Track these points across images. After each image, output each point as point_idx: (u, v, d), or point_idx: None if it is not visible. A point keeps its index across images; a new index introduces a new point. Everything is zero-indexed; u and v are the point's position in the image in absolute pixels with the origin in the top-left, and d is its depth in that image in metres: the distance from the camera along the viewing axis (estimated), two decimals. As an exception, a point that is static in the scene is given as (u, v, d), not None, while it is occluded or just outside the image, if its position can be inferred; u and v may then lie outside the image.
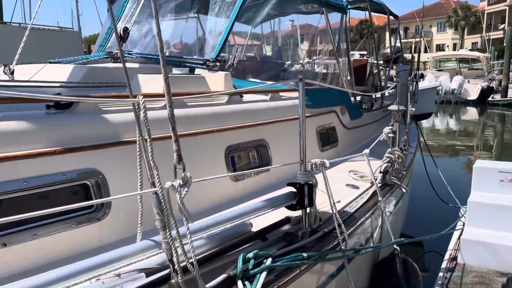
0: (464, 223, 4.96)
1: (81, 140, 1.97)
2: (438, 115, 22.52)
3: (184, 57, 3.71)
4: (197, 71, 3.48)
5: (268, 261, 1.80)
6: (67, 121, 1.98)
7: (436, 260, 4.73)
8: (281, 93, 3.69)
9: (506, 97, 25.87)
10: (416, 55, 8.93)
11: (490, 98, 25.82)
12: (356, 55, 13.70)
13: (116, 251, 1.37)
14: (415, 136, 5.68)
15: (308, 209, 2.25)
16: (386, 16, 6.98)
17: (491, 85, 27.76)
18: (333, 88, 4.62)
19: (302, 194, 2.20)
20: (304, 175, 2.21)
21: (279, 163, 3.14)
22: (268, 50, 7.74)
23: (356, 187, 3.36)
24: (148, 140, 1.39)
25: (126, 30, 3.96)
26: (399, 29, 7.09)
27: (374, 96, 7.01)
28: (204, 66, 3.48)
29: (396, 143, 3.79)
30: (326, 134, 4.16)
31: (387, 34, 7.19)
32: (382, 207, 3.14)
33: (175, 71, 3.42)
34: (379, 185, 3.35)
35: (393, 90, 5.16)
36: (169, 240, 1.36)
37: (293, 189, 2.24)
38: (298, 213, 2.28)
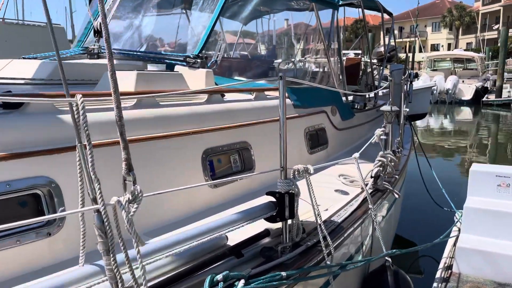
0: (459, 229, 4.78)
1: (31, 144, 1.74)
2: (433, 115, 22.40)
3: (163, 53, 3.48)
4: (177, 68, 3.25)
5: (240, 284, 1.58)
6: (15, 122, 1.75)
7: (430, 267, 4.54)
8: (267, 92, 3.47)
9: (501, 97, 25.83)
10: (410, 54, 8.74)
11: (484, 98, 25.76)
12: (350, 54, 13.53)
13: (49, 279, 1.14)
14: (409, 137, 5.48)
15: (289, 221, 2.03)
16: (380, 14, 6.79)
17: (485, 85, 27.71)
18: (323, 88, 4.41)
19: (283, 205, 1.97)
20: (284, 184, 1.99)
21: (263, 167, 2.93)
22: (262, 49, 7.53)
23: (346, 193, 3.15)
24: (88, 147, 1.17)
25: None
26: (393, 27, 6.89)
27: (367, 96, 6.82)
28: (184, 63, 3.26)
29: (388, 146, 3.59)
30: (315, 135, 3.94)
31: (381, 33, 6.97)
32: (373, 215, 2.93)
33: (150, 67, 3.18)
34: (370, 191, 3.14)
35: (387, 90, 4.97)
36: (114, 267, 1.14)
37: (273, 199, 2.02)
38: (279, 225, 2.06)
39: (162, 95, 2.29)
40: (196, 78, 3.08)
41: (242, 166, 2.89)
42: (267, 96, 3.38)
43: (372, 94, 6.11)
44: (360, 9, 6.23)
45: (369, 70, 7.07)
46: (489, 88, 27.89)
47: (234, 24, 7.92)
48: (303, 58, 4.80)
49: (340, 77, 4.58)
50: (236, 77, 4.04)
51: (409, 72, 5.55)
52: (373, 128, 6.05)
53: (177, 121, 2.42)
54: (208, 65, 3.44)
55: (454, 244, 4.49)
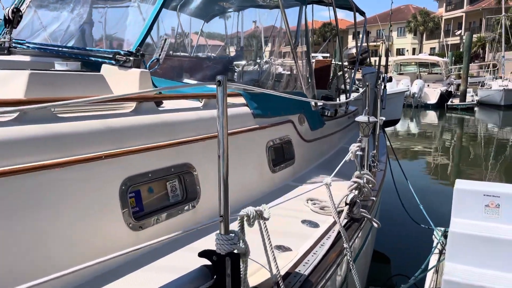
0: (440, 252, 4.31)
1: None
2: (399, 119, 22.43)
3: (87, 48, 2.77)
4: (104, 68, 2.56)
5: None
6: None
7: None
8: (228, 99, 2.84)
9: (465, 101, 26.32)
10: (383, 57, 8.33)
11: (449, 102, 26.16)
12: (318, 56, 13.09)
13: None
14: (384, 148, 4.97)
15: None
16: (352, 16, 6.31)
17: (449, 89, 28.18)
18: (291, 93, 3.81)
19: (222, 271, 1.34)
20: (225, 241, 1.35)
21: (211, 196, 2.28)
22: (226, 50, 6.88)
23: (316, 225, 2.55)
24: None
25: (17, 12, 2.97)
26: (365, 27, 6.41)
27: (339, 101, 6.29)
28: (113, 61, 2.57)
29: (365, 163, 3.03)
30: (280, 150, 3.34)
31: (350, 37, 6.45)
32: (349, 256, 2.34)
33: (58, 66, 2.48)
34: (344, 221, 2.56)
35: (361, 95, 4.44)
36: None
37: (208, 262, 1.38)
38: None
39: (58, 104, 1.59)
40: (127, 81, 2.40)
41: (184, 195, 2.23)
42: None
43: (347, 99, 5.58)
44: (331, 9, 5.72)
45: (340, 73, 6.56)
46: (453, 92, 28.39)
47: (198, 22, 7.28)
48: (268, 59, 4.16)
49: (309, 80, 4.00)
50: (186, 80, 3.38)
51: (383, 75, 5.05)
52: (344, 138, 5.54)
53: (83, 140, 1.74)
54: (147, 65, 2.76)
55: (436, 271, 4.01)
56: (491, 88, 26.78)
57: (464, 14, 48.53)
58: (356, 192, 2.80)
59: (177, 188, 2.19)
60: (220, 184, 1.37)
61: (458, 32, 47.62)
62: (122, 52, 2.54)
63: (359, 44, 6.18)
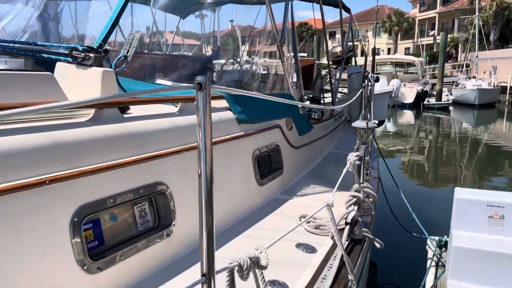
0: (436, 264, 4.04)
1: None
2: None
3: (39, 43, 2.33)
4: (58, 66, 2.13)
5: None
6: None
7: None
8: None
9: (441, 100, 26.64)
10: (369, 56, 8.08)
11: (425, 102, 26.43)
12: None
13: None
14: (374, 153, 4.67)
15: None
16: (331, 15, 6.02)
17: (425, 89, 28.50)
18: (277, 95, 3.46)
19: None
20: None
21: (190, 217, 1.90)
22: (205, 48, 6.45)
23: (313, 250, 2.19)
24: None
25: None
26: (351, 24, 6.12)
27: (323, 102, 5.98)
28: (70, 59, 2.14)
29: (362, 175, 2.69)
30: (267, 159, 2.98)
31: (327, 37, 6.13)
32: (351, 284, 2.00)
33: None
34: (346, 243, 2.22)
35: (348, 97, 4.13)
36: None
37: None
38: None
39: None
40: (86, 82, 1.99)
41: (156, 221, 1.84)
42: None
43: (333, 100, 5.27)
44: (310, 7, 5.40)
45: (324, 72, 6.26)
46: (428, 92, 28.73)
47: (170, 17, 6.83)
48: (250, 59, 3.75)
49: (296, 81, 3.64)
50: (160, 81, 2.96)
51: (371, 75, 4.75)
52: (331, 141, 5.23)
53: (22, 160, 1.32)
54: (113, 63, 2.35)
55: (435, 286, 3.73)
56: (465, 87, 27.22)
57: (437, 14, 49.43)
58: (356, 208, 2.47)
59: (147, 213, 1.80)
60: (203, 232, 0.99)
61: (432, 33, 48.45)
62: (80, 48, 2.11)
63: (344, 43, 5.88)
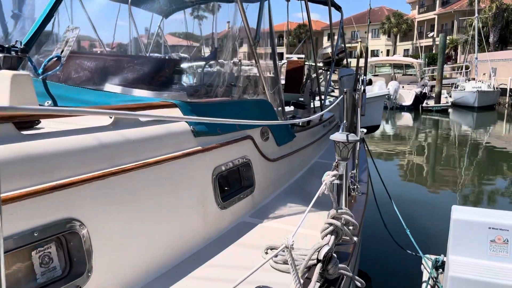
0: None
1: None
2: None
3: None
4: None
5: None
6: None
7: None
8: (160, 111, 2.07)
9: (440, 103, 26.27)
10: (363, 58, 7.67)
11: (424, 104, 26.06)
12: (293, 58, 12.40)
13: None
14: (364, 163, 4.25)
15: None
16: (327, 15, 5.62)
17: (424, 91, 28.13)
18: (250, 101, 3.06)
19: None
20: None
21: (114, 262, 1.49)
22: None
23: (276, 294, 1.79)
24: None
25: None
26: (342, 24, 5.72)
27: (313, 107, 5.58)
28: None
29: (342, 197, 2.28)
30: (234, 176, 2.58)
31: (325, 39, 5.72)
32: None
33: None
34: (318, 285, 1.81)
35: (335, 104, 3.72)
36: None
37: None
38: None
39: None
40: None
41: (65, 270, 1.43)
42: (146, 121, 1.94)
43: (322, 104, 4.87)
44: (303, 7, 5.01)
45: (314, 75, 5.85)
46: (427, 94, 28.34)
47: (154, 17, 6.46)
48: (223, 60, 3.30)
49: (275, 84, 3.22)
50: (107, 87, 2.54)
51: (363, 78, 4.35)
52: (318, 149, 4.82)
53: None
54: (43, 64, 1.95)
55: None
56: (464, 89, 26.86)
57: (436, 16, 49.11)
58: (332, 238, 2.06)
59: (53, 259, 1.39)
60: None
61: (431, 34, 48.13)
62: (-12, 46, 1.71)
63: (335, 43, 5.48)
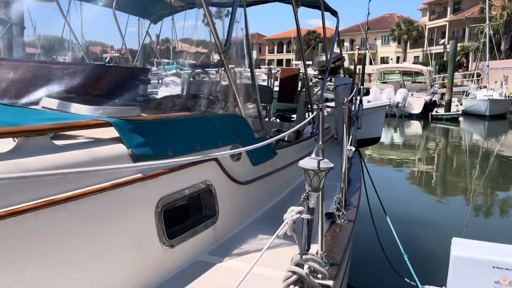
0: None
1: None
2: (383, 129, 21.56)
3: None
4: None
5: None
6: None
7: None
8: (91, 132, 1.73)
9: (450, 111, 25.64)
10: (360, 66, 7.29)
11: (434, 112, 25.46)
12: (299, 65, 12.05)
13: None
14: (357, 182, 3.82)
15: None
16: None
17: (433, 99, 27.53)
18: (216, 116, 2.69)
19: None
20: None
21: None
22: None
23: None
24: None
25: None
26: (337, 28, 5.34)
27: (307, 116, 5.21)
28: None
29: (306, 241, 1.86)
30: (190, 205, 2.20)
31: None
32: None
33: None
34: None
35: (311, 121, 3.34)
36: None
37: None
38: None
39: None
40: None
41: None
42: (85, 142, 1.59)
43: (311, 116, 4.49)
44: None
45: (311, 83, 5.47)
46: (437, 102, 27.73)
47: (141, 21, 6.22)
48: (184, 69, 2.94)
49: (245, 94, 2.83)
50: (46, 102, 2.19)
51: (359, 87, 3.96)
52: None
53: None
54: None
55: None
56: (475, 98, 26.21)
57: (447, 23, 48.42)
58: (296, 289, 1.67)
59: None
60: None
61: (442, 41, 47.43)
62: None
63: (331, 51, 5.11)
